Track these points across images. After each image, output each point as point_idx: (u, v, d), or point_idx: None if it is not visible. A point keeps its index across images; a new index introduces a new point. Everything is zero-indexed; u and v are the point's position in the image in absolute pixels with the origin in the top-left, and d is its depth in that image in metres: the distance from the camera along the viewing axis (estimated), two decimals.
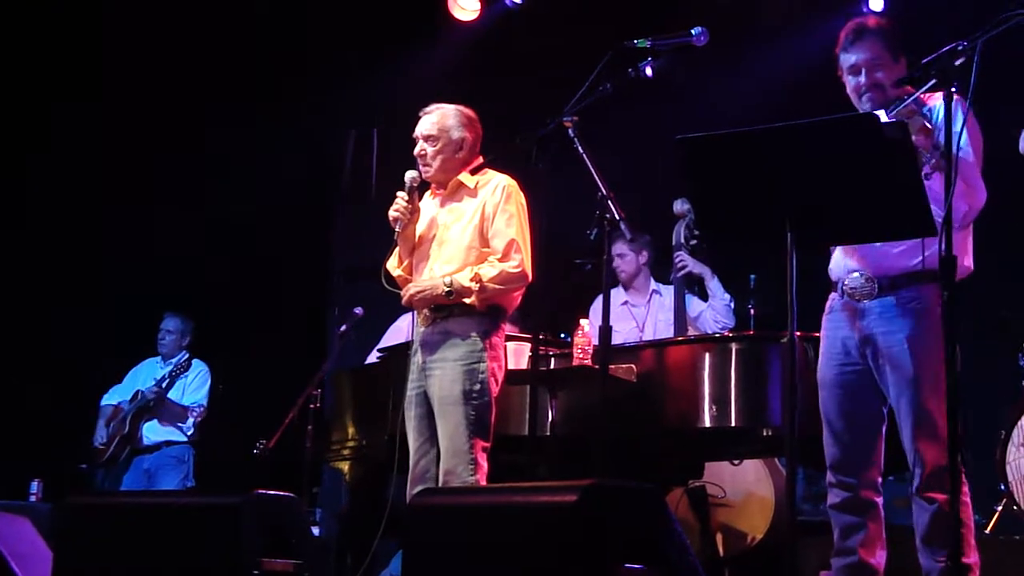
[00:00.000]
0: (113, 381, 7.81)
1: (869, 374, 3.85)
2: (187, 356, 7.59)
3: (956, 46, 3.25)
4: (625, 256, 6.31)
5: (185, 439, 7.53)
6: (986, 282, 3.93)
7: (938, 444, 3.63)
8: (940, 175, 3.37)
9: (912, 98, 3.59)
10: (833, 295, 3.98)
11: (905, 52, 3.87)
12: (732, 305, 6.22)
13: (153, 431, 7.50)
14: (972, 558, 3.59)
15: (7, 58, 7.68)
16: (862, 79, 3.87)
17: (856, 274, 3.86)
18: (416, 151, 4.73)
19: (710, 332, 6.00)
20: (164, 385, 7.42)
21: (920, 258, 3.73)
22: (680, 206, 6.07)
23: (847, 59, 3.92)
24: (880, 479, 3.88)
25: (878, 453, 3.87)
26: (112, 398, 7.70)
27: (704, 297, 6.24)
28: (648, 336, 6.15)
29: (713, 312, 6.16)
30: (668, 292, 6.26)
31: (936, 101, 3.76)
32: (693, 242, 6.02)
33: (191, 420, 7.52)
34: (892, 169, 3.28)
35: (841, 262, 3.94)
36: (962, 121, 3.71)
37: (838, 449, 3.88)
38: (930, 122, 3.66)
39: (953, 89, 3.26)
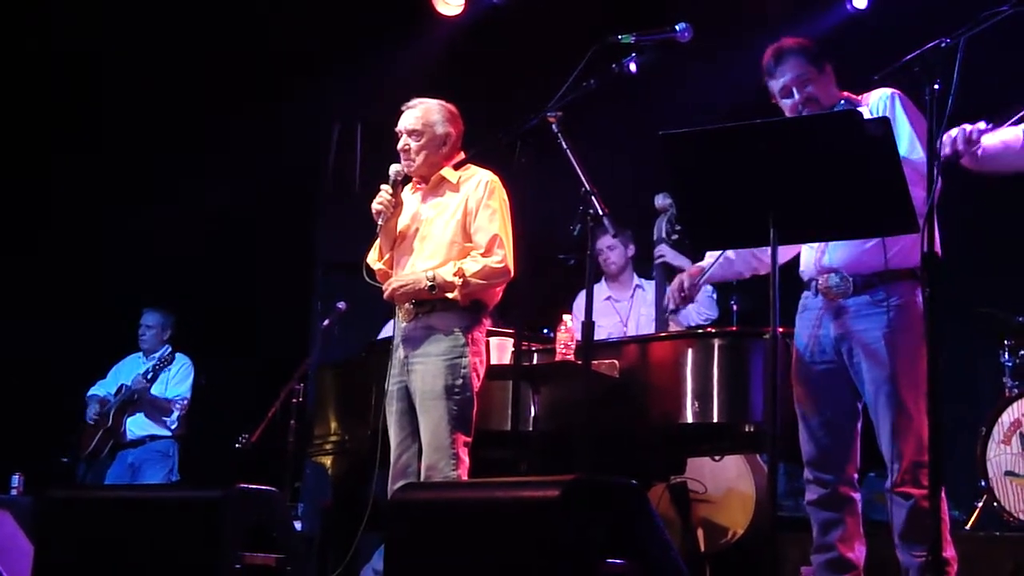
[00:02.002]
0: (95, 375, 7.78)
1: (844, 371, 3.86)
2: (170, 350, 7.58)
3: (939, 43, 3.26)
4: (615, 248, 6.31)
5: (169, 433, 7.52)
6: (967, 277, 3.94)
7: (914, 440, 3.66)
8: None
9: (844, 102, 3.76)
10: (806, 293, 3.99)
11: (829, 60, 3.95)
12: (715, 296, 6.23)
13: (137, 425, 7.48)
14: (949, 552, 3.62)
15: (7, 59, 7.66)
16: (796, 97, 3.91)
17: (832, 273, 3.87)
18: (400, 146, 4.71)
19: (694, 324, 6.01)
20: (149, 378, 7.41)
21: (888, 256, 3.75)
22: (662, 201, 6.07)
23: (776, 84, 3.97)
24: (856, 475, 3.90)
25: (854, 449, 3.89)
26: (98, 391, 7.68)
27: None
28: (631, 331, 6.15)
29: (695, 304, 6.15)
30: (651, 287, 6.25)
31: (871, 99, 3.81)
32: (675, 237, 6.02)
33: (175, 414, 7.51)
34: (874, 166, 3.29)
35: (812, 261, 3.95)
36: (904, 114, 3.77)
37: (814, 446, 3.89)
38: None
39: (936, 86, 3.27)
